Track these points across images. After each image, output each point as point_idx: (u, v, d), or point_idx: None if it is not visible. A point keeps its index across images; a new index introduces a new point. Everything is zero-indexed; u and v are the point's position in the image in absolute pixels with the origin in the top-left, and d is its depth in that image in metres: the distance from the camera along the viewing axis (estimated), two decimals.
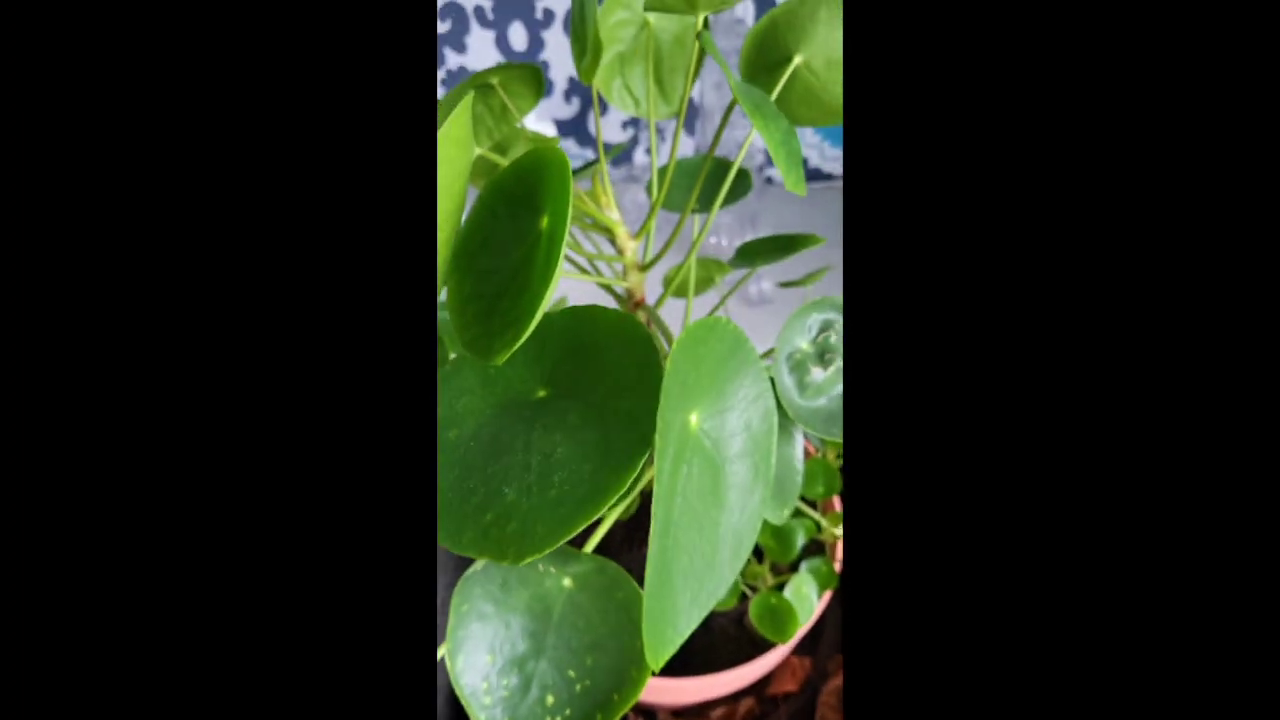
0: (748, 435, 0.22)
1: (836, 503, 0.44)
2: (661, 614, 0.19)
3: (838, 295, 0.29)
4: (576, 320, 0.19)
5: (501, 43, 0.86)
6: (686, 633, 0.20)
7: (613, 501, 0.17)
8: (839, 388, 0.28)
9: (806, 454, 0.44)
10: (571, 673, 0.26)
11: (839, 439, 0.28)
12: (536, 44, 0.85)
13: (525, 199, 0.20)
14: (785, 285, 0.44)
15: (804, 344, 0.28)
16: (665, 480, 0.18)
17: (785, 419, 0.27)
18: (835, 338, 0.28)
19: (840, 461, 0.44)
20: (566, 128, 0.91)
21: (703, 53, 0.39)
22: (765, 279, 0.74)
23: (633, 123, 0.91)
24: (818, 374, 0.28)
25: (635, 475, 0.17)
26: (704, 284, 0.45)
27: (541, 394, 0.19)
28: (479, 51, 0.86)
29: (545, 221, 0.18)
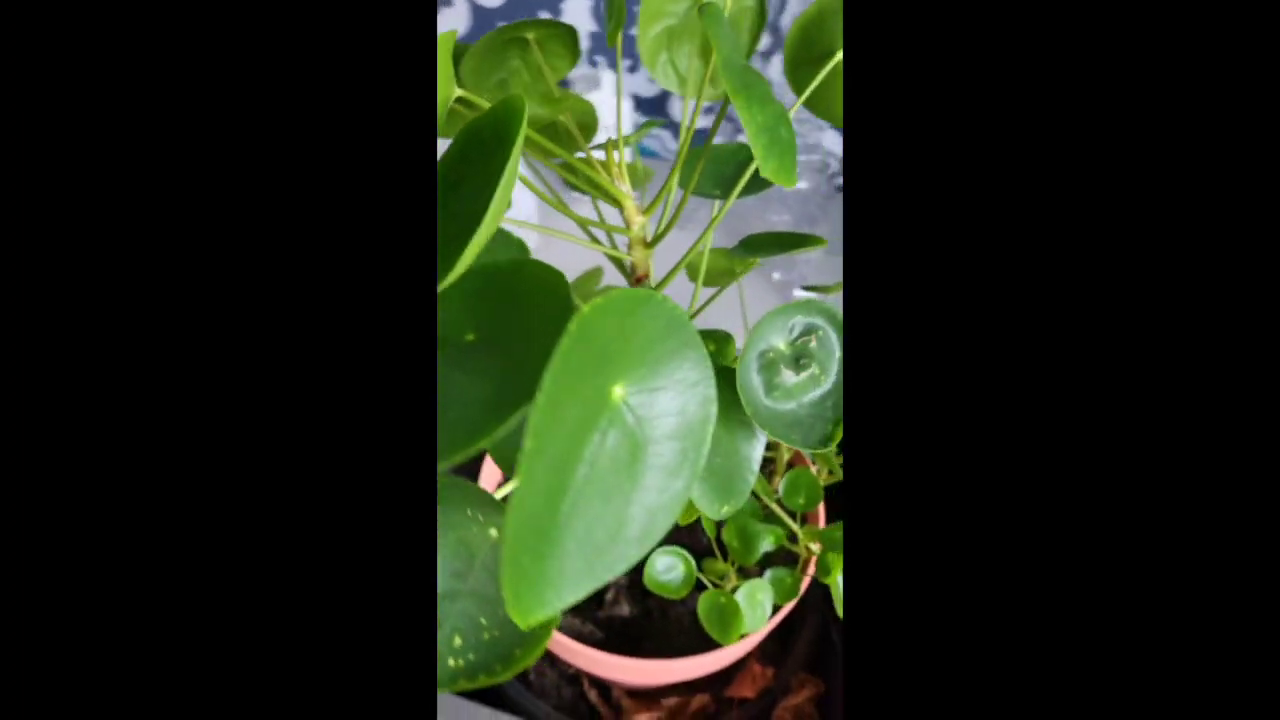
0: (681, 419, 0.22)
1: (821, 518, 0.43)
2: (542, 575, 0.19)
3: (826, 301, 0.28)
4: (511, 270, 0.20)
5: (597, 11, 0.86)
6: (570, 600, 0.20)
7: (489, 436, 0.17)
8: (811, 395, 0.28)
9: (792, 464, 0.43)
10: (483, 620, 0.26)
11: (799, 445, 0.27)
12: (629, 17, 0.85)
13: (494, 145, 0.20)
14: (808, 289, 0.43)
15: (781, 343, 0.27)
16: (561, 441, 0.18)
17: (745, 415, 0.27)
18: (817, 345, 0.28)
19: (833, 479, 0.43)
20: (647, 106, 0.90)
21: (754, 37, 0.38)
22: (798, 276, 0.73)
23: (713, 110, 0.90)
24: (789, 376, 0.27)
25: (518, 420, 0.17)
26: (725, 276, 0.44)
27: (470, 338, 0.20)
28: (573, 17, 0.87)
29: (499, 168, 0.19)
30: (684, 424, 0.22)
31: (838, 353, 0.28)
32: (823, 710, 0.50)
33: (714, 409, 0.22)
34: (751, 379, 0.27)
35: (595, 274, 0.52)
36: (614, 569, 0.21)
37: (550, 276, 0.18)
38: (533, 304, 0.19)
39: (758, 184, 0.35)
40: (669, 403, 0.21)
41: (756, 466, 0.28)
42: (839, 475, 0.43)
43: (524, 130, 0.17)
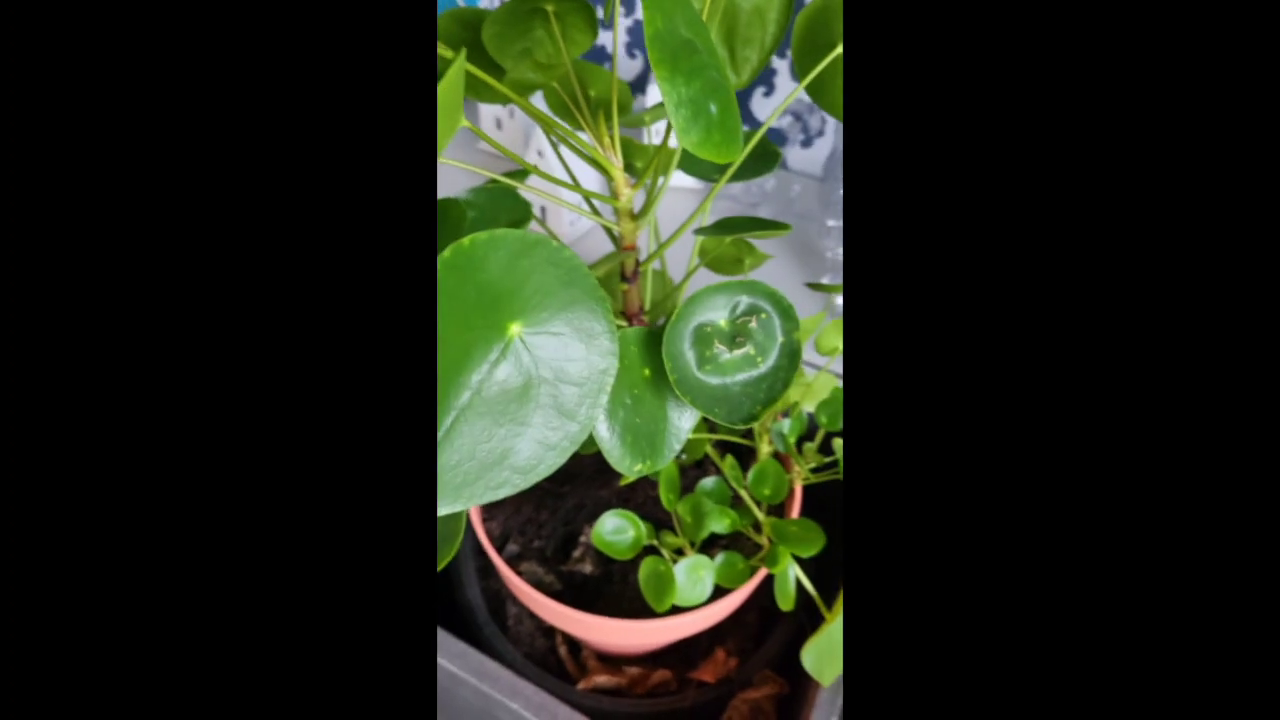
0: (581, 366, 0.23)
1: (795, 511, 0.43)
2: None
3: (771, 285, 0.28)
4: (441, 210, 0.22)
5: None
6: (445, 509, 0.22)
7: None
8: (746, 374, 0.28)
9: (776, 455, 0.43)
10: None
11: (722, 420, 0.28)
12: None
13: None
14: (812, 287, 0.43)
15: (721, 319, 0.28)
16: (440, 361, 0.20)
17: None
18: (758, 326, 0.28)
19: (811, 480, 0.43)
20: None
21: (781, 27, 0.38)
22: None
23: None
24: (723, 352, 0.28)
25: None
26: (733, 264, 0.45)
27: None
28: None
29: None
30: (583, 371, 0.23)
31: (780, 338, 0.28)
32: (781, 711, 0.50)
33: (614, 362, 0.23)
34: (683, 349, 0.27)
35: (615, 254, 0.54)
36: (497, 491, 0.23)
37: (454, 212, 0.20)
38: (440, 236, 0.21)
39: (751, 168, 0.35)
40: (568, 349, 0.23)
41: (684, 436, 0.29)
42: (812, 478, 0.43)
43: (461, 65, 0.19)
